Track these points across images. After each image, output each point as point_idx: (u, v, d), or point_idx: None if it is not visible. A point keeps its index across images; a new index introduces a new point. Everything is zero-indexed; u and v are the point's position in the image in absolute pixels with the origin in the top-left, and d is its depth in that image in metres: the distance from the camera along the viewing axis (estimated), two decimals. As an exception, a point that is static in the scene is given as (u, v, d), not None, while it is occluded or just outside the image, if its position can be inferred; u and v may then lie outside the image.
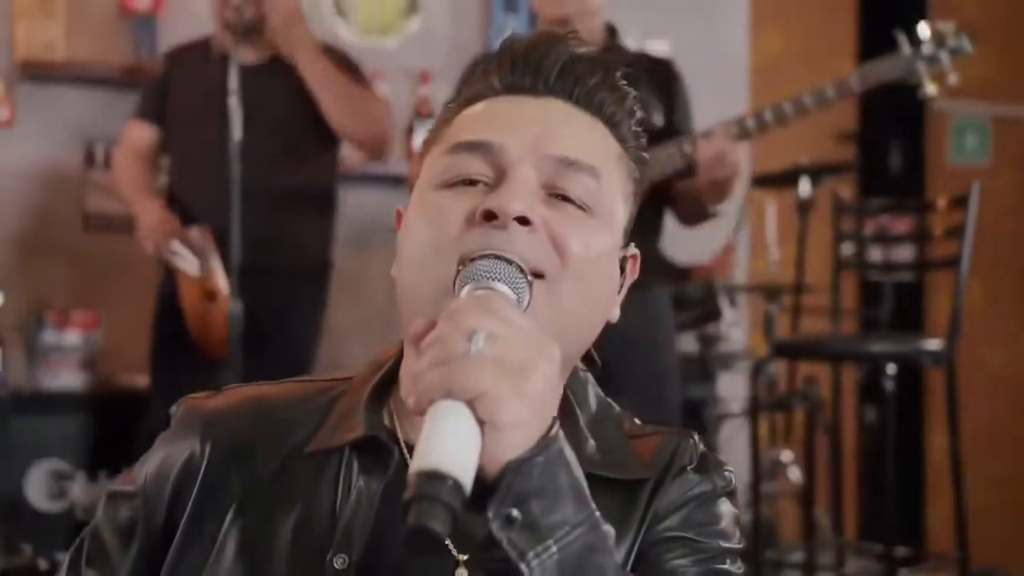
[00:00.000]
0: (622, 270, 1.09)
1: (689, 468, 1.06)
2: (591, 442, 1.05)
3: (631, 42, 4.38)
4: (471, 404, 0.83)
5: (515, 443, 0.84)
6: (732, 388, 4.02)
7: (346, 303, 3.92)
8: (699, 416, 3.68)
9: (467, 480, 0.81)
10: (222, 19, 3.41)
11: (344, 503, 1.01)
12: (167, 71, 3.55)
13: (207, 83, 3.42)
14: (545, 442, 0.85)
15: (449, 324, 0.85)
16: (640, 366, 3.14)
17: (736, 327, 3.75)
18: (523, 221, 0.97)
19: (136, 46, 4.14)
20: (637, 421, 1.12)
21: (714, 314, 3.66)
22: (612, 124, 1.06)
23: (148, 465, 1.08)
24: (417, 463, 0.80)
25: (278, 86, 3.36)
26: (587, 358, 1.11)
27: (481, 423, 0.83)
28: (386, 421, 1.05)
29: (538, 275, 0.98)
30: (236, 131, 3.19)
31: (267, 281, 3.28)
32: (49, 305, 3.96)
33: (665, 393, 3.19)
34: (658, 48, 4.55)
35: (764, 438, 4.35)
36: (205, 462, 1.05)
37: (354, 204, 4.01)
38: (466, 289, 0.93)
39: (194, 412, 1.09)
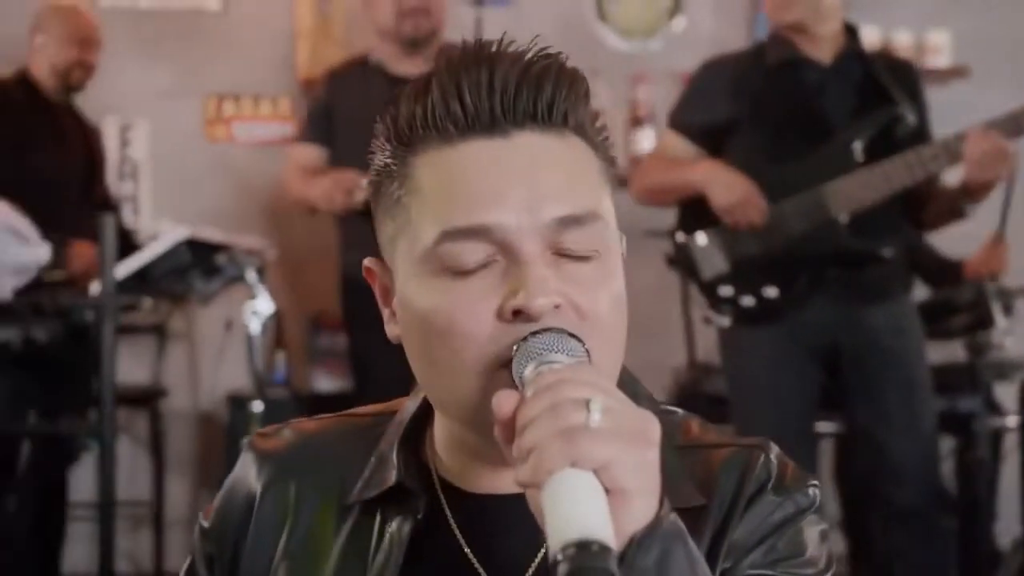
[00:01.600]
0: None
1: (769, 487, 1.00)
2: None
3: (905, 36, 4.18)
4: (597, 473, 0.81)
5: (639, 512, 0.83)
6: (1011, 400, 3.74)
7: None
8: (968, 428, 3.45)
9: (613, 544, 0.79)
10: (398, 33, 3.57)
11: (377, 549, 1.02)
12: (329, 93, 3.67)
13: (373, 98, 3.49)
14: (662, 514, 0.85)
15: (559, 394, 0.84)
16: (892, 376, 3.05)
17: (1011, 335, 3.48)
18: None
19: (410, 63, 4.31)
20: (705, 427, 1.06)
21: (986, 321, 3.41)
22: (581, 133, 0.99)
23: (217, 502, 1.12)
24: (563, 535, 0.78)
25: None
26: None
27: (607, 491, 0.81)
28: (423, 458, 1.06)
29: None
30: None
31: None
32: (325, 312, 4.18)
33: (918, 403, 3.07)
34: (937, 38, 4.32)
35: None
36: (258, 504, 1.08)
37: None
38: (530, 367, 0.91)
39: (254, 452, 1.11)
